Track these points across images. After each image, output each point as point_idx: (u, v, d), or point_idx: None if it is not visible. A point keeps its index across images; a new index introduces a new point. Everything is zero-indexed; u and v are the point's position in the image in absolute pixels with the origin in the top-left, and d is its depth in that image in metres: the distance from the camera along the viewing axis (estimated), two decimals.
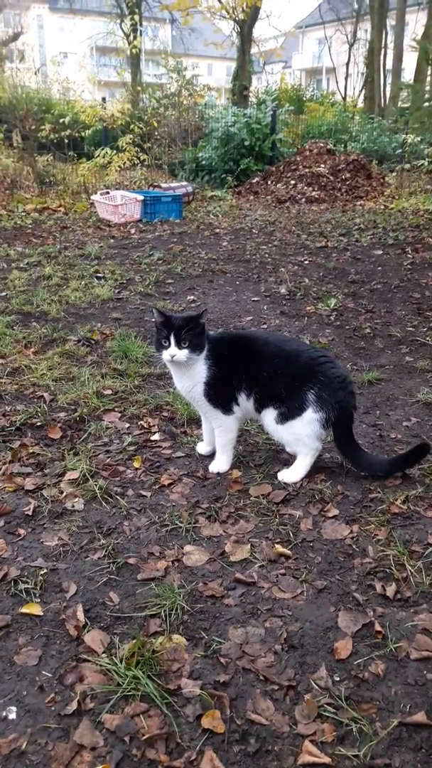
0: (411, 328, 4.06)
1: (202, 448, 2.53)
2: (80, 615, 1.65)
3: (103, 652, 1.54)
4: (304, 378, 2.23)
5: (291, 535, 2.02)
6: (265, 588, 1.78)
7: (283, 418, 2.26)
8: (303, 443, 2.31)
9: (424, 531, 2.02)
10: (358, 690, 1.45)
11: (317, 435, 2.27)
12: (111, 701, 1.41)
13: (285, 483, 2.31)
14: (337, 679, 1.48)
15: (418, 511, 2.13)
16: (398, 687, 1.46)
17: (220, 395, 2.31)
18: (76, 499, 2.19)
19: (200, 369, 2.28)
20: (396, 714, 1.39)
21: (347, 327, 4.11)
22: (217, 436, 2.41)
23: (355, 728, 1.36)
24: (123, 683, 1.44)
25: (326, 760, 1.29)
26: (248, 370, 2.29)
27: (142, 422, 2.75)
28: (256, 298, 4.76)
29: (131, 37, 17.56)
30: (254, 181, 11.86)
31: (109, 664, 1.50)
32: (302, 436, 2.28)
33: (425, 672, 1.50)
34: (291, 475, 2.34)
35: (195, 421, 2.75)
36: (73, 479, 2.31)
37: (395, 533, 2.01)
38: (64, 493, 2.22)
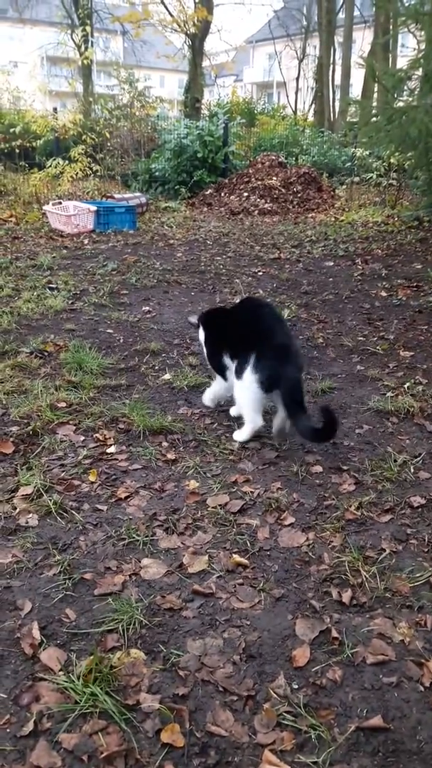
0: (362, 338, 4.15)
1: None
2: (36, 633, 1.62)
3: (60, 670, 1.51)
4: (250, 342, 2.59)
5: (248, 544, 2.03)
6: (223, 598, 1.78)
7: (236, 373, 2.66)
8: (247, 407, 2.66)
9: (378, 536, 2.06)
10: (316, 697, 1.47)
11: (258, 400, 2.60)
12: (68, 720, 1.39)
13: (234, 440, 2.69)
14: (296, 686, 1.49)
15: (372, 517, 2.17)
16: (355, 692, 1.48)
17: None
18: (30, 515, 2.15)
19: None
20: (353, 719, 1.41)
21: (300, 337, 4.17)
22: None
23: (314, 735, 1.37)
24: (80, 701, 1.42)
25: None
26: (228, 334, 2.77)
27: (97, 435, 2.72)
28: None
29: (82, 48, 17.50)
30: (207, 192, 11.93)
31: (66, 681, 1.47)
32: (247, 400, 2.63)
33: (381, 676, 1.52)
34: (240, 434, 2.71)
35: (152, 432, 2.74)
36: (26, 495, 2.26)
37: (350, 539, 2.04)
38: (18, 509, 2.18)
